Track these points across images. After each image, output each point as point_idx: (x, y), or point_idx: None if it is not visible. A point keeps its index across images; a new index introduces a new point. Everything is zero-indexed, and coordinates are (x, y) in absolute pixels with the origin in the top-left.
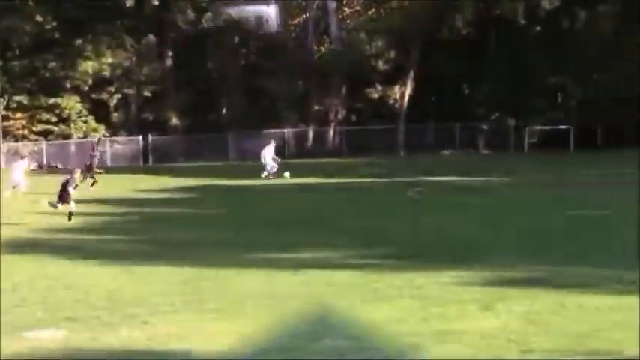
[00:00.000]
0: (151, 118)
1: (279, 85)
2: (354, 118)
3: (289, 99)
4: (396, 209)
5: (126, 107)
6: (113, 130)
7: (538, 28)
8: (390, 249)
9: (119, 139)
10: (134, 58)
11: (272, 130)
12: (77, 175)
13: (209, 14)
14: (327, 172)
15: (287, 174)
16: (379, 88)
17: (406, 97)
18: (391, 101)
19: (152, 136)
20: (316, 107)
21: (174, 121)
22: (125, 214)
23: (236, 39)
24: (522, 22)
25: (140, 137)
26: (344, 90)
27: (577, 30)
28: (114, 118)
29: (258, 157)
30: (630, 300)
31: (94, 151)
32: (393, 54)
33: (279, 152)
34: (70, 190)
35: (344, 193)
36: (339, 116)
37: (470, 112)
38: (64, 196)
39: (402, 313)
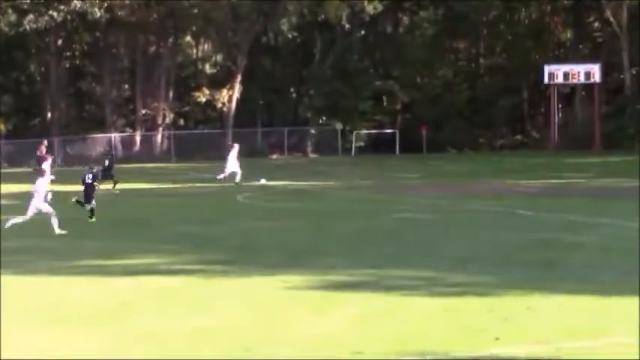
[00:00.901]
0: None
1: (105, 88)
2: (181, 122)
3: (116, 103)
4: (225, 214)
5: None
6: None
7: (362, 32)
8: (220, 254)
9: None
10: None
11: (99, 135)
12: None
13: (31, 16)
14: (155, 176)
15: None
16: (207, 91)
17: (234, 101)
18: (219, 105)
19: None
20: (143, 111)
21: None
22: None
23: (59, 41)
24: (347, 26)
25: None
26: (171, 94)
27: (401, 34)
28: None
29: (85, 162)
30: (455, 301)
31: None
32: (220, 57)
33: (106, 157)
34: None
35: (172, 198)
36: (167, 120)
37: (298, 116)
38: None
39: (232, 319)
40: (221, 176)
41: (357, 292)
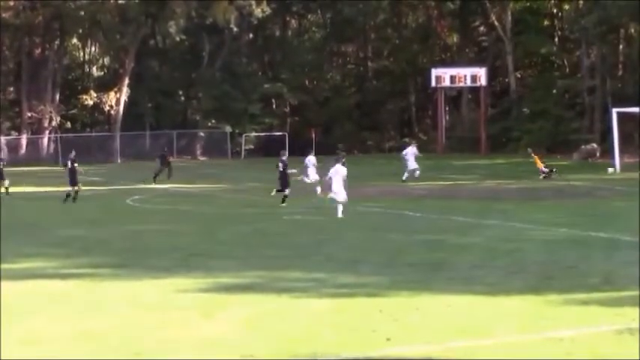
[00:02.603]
0: None
1: None
2: (68, 125)
3: (1, 106)
4: (114, 217)
5: None
6: None
7: (251, 35)
8: (109, 257)
9: None
10: None
11: None
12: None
13: None
14: (42, 179)
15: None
16: (94, 94)
17: (122, 104)
18: (107, 108)
19: None
20: (29, 114)
21: None
22: None
23: None
24: (235, 29)
25: None
26: (58, 96)
27: (289, 38)
28: None
29: None
30: (345, 302)
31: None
32: (107, 60)
33: None
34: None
35: (60, 201)
36: (54, 123)
37: (187, 119)
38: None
39: (122, 323)
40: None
41: (248, 294)
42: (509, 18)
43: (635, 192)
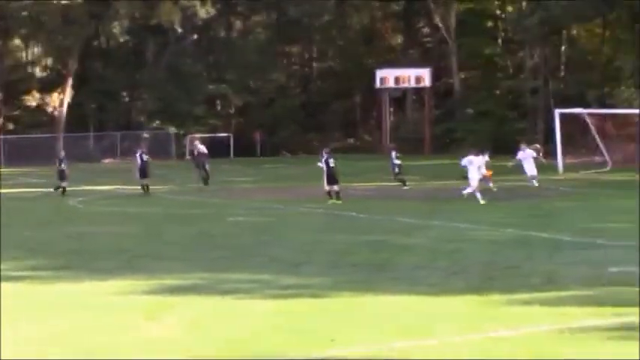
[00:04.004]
0: None
1: None
2: (11, 126)
3: None
4: (59, 219)
5: None
6: None
7: (195, 36)
8: (52, 259)
9: None
10: None
11: None
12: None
13: None
14: None
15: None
16: (37, 95)
17: (65, 105)
18: (50, 109)
19: None
20: None
21: None
22: None
23: None
24: (180, 30)
25: None
26: (0, 97)
27: (233, 38)
28: None
29: None
30: (289, 303)
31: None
32: (50, 61)
33: None
34: None
35: (2, 203)
36: None
37: (131, 120)
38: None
39: (64, 326)
40: (534, 182)
41: (191, 295)
42: (453, 19)
43: (578, 192)
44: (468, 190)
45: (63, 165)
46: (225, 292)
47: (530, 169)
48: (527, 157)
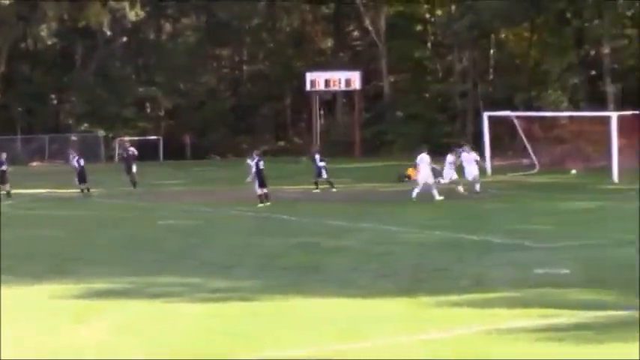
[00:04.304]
0: None
1: None
2: None
3: None
4: None
5: None
6: None
7: (124, 38)
8: None
9: None
10: None
11: None
12: None
13: None
14: None
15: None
16: None
17: None
18: None
19: None
20: None
21: None
22: None
23: None
24: (108, 33)
25: None
26: None
27: (163, 41)
28: None
29: None
30: (220, 307)
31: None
32: None
33: None
34: None
35: None
36: None
37: (59, 123)
38: None
39: None
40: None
41: (121, 299)
42: (383, 22)
43: (506, 194)
44: (417, 191)
45: (4, 167)
46: (155, 296)
47: (471, 171)
48: (470, 159)
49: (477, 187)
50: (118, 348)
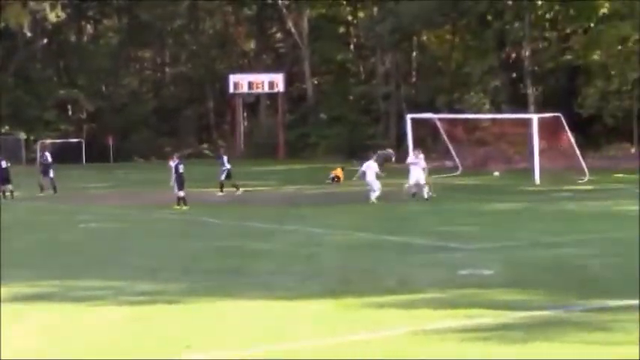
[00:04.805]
0: None
1: None
2: None
3: None
4: None
5: None
6: None
7: (45, 40)
8: None
9: None
10: None
11: None
12: None
13: None
14: None
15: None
16: None
17: None
18: None
19: None
20: None
21: None
22: None
23: None
24: (29, 34)
25: None
26: None
27: (84, 43)
28: None
29: None
30: (144, 310)
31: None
32: None
33: None
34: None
35: None
36: None
37: None
38: None
39: None
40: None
41: (44, 303)
42: (306, 24)
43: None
44: (377, 194)
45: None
46: (77, 300)
47: (417, 176)
48: (418, 163)
49: (425, 193)
50: (40, 353)
